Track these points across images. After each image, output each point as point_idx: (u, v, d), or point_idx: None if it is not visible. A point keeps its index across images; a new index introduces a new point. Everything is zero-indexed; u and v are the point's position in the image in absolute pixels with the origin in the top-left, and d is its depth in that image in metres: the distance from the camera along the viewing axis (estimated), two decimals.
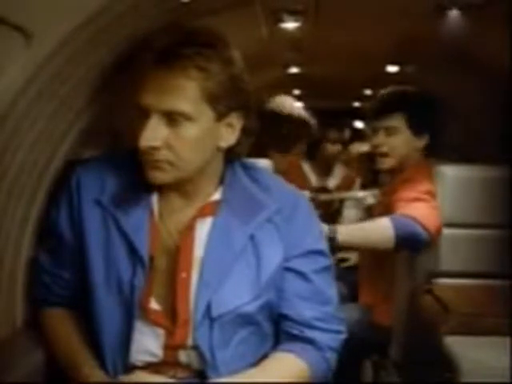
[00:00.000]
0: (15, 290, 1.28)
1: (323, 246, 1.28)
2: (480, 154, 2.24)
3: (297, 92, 4.65)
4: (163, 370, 1.17)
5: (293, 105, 2.42)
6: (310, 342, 1.23)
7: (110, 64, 1.33)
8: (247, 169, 1.27)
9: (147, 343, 1.17)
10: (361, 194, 3.22)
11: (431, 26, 1.87)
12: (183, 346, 1.16)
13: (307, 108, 2.60)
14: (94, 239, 1.19)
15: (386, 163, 2.13)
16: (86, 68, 1.24)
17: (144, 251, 1.17)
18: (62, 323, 1.26)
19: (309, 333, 1.22)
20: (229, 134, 1.18)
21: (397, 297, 2.14)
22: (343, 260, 2.62)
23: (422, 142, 2.10)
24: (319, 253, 1.26)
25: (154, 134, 1.11)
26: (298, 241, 1.23)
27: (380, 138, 2.12)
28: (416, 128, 2.08)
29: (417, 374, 1.99)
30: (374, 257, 2.17)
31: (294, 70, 3.29)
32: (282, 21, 1.97)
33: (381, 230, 1.85)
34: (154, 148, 1.11)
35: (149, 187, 1.20)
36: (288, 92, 4.57)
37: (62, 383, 1.20)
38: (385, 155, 2.12)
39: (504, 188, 1.93)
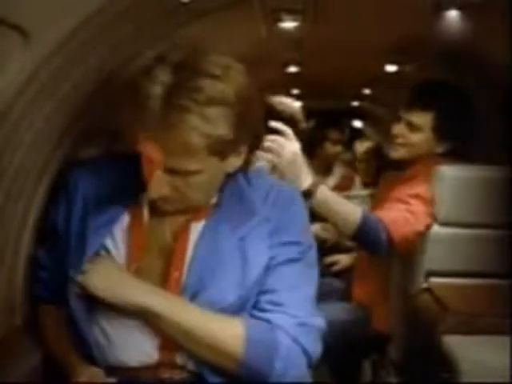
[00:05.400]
0: (14, 289, 1.28)
1: (302, 238, 1.22)
2: (480, 153, 2.23)
3: (295, 91, 4.65)
4: (159, 371, 1.16)
5: (291, 103, 2.41)
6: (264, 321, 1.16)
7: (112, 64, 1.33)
8: (246, 173, 1.25)
9: (143, 343, 1.16)
10: (363, 192, 3.23)
11: (430, 26, 1.87)
12: (179, 347, 1.16)
13: (306, 107, 2.61)
14: (74, 236, 1.20)
15: (399, 153, 2.05)
16: (85, 68, 1.24)
17: (91, 250, 1.16)
18: (58, 321, 1.26)
19: (263, 314, 1.16)
20: (236, 160, 1.15)
21: (395, 296, 2.14)
22: (332, 264, 2.61)
23: (442, 148, 2.01)
24: (295, 244, 1.20)
25: (161, 186, 1.09)
26: (278, 234, 1.19)
27: (400, 129, 2.04)
28: (441, 133, 1.99)
29: (416, 374, 1.99)
30: (371, 257, 2.14)
31: (292, 69, 3.29)
32: (280, 20, 1.96)
33: (348, 213, 1.84)
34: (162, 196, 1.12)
35: (141, 188, 1.19)
36: (287, 91, 4.57)
37: (61, 383, 1.20)
38: (400, 145, 2.04)
39: (504, 188, 1.93)
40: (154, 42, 1.46)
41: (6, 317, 1.26)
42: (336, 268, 2.57)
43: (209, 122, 1.03)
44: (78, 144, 1.41)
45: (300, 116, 2.45)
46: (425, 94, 2.02)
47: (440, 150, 2.02)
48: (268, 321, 1.14)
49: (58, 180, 1.33)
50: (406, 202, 1.93)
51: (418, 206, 1.92)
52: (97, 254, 1.18)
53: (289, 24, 2.01)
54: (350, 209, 1.86)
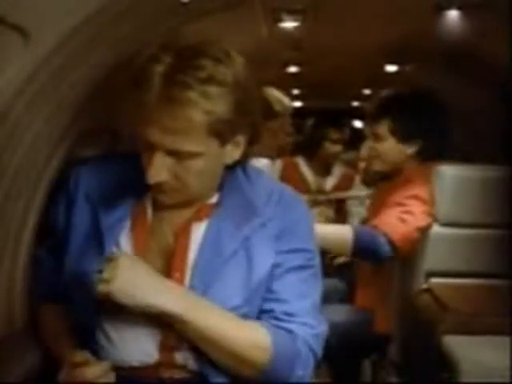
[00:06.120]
0: (14, 289, 1.28)
1: (309, 245, 1.24)
2: (480, 153, 2.24)
3: (296, 91, 4.65)
4: (160, 371, 1.16)
5: (275, 93, 2.38)
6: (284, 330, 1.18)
7: (112, 64, 1.33)
8: (246, 171, 1.25)
9: (143, 343, 1.16)
10: (363, 192, 3.23)
11: (430, 26, 1.87)
12: (179, 347, 1.16)
13: (306, 107, 2.60)
14: (77, 235, 1.20)
15: (376, 165, 2.16)
16: (85, 67, 1.24)
17: (108, 249, 1.15)
18: (58, 320, 1.26)
19: (282, 324, 1.17)
20: (235, 151, 1.16)
21: (395, 296, 2.14)
22: (335, 257, 2.61)
23: (411, 149, 2.07)
24: (302, 251, 1.21)
25: (160, 170, 1.09)
26: (284, 239, 1.20)
27: (368, 143, 2.18)
28: (401, 135, 2.07)
29: (416, 374, 1.99)
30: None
31: (293, 69, 3.30)
32: (281, 20, 1.97)
33: (339, 236, 1.92)
34: (161, 182, 1.11)
35: (144, 188, 1.19)
36: (287, 91, 4.57)
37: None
38: (375, 158, 2.15)
39: (504, 188, 1.93)
40: (154, 42, 1.46)
41: (5, 317, 1.25)
42: (336, 262, 2.57)
43: (209, 99, 1.04)
44: (78, 144, 1.41)
45: (283, 103, 2.43)
46: (378, 107, 2.14)
47: (411, 150, 2.07)
48: (289, 330, 1.16)
49: (58, 179, 1.33)
50: (404, 204, 1.95)
51: (416, 207, 1.94)
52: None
53: (289, 24, 2.02)
54: (339, 230, 1.95)
